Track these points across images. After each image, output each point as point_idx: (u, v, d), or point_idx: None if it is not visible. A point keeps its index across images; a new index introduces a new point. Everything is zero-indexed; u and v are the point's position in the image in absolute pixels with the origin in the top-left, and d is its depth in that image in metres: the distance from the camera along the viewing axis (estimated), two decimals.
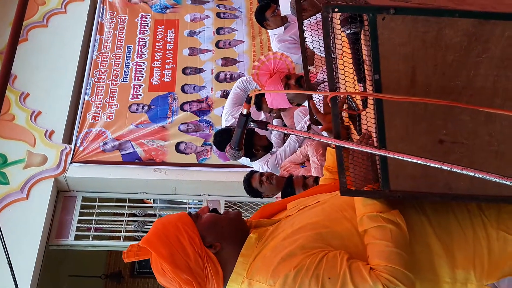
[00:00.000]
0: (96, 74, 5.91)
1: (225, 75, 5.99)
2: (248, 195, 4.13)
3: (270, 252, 1.57)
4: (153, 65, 6.03)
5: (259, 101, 4.34)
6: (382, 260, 1.46)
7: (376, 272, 1.45)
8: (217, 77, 5.99)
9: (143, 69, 6.00)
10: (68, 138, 5.66)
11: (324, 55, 1.49)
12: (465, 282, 1.56)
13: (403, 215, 1.56)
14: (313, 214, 1.65)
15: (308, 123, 3.86)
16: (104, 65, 5.99)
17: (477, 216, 1.61)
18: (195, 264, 1.58)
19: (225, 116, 4.72)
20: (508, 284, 1.57)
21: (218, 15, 6.53)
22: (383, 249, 1.48)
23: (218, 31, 6.39)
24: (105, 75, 5.91)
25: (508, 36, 1.36)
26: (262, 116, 4.64)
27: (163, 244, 1.59)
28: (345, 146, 1.41)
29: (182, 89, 5.88)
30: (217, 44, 6.26)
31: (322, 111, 1.95)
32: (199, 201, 5.82)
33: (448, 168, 1.26)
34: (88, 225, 5.56)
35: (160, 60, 6.08)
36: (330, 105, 1.47)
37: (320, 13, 1.41)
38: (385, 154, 1.35)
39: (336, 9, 1.35)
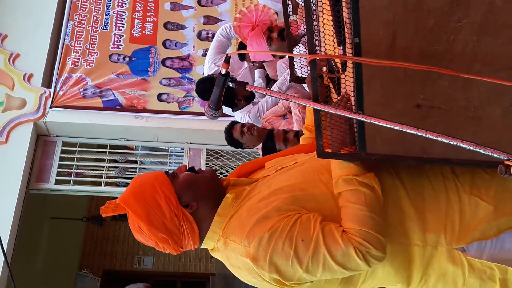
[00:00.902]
0: (75, 18, 5.79)
1: (207, 33, 5.94)
2: None
3: (246, 212, 1.58)
4: (134, 16, 5.95)
5: (241, 56, 4.30)
6: (355, 223, 1.48)
7: (348, 235, 1.47)
8: (199, 35, 5.95)
9: (124, 19, 5.90)
10: (47, 82, 5.60)
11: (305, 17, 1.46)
12: (436, 245, 1.59)
13: (378, 178, 1.58)
14: (290, 176, 1.66)
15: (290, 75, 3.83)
16: (84, 9, 5.87)
17: (451, 180, 1.63)
18: (171, 223, 1.60)
19: (208, 64, 4.67)
20: (477, 249, 1.61)
21: None
22: (356, 213, 1.50)
23: None
24: (85, 20, 5.80)
25: (489, 2, 1.35)
26: (245, 66, 4.60)
27: (140, 203, 1.60)
28: (323, 109, 1.40)
29: (164, 44, 5.84)
30: (199, 1, 6.19)
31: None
32: (180, 148, 5.83)
33: (424, 135, 1.27)
34: (68, 170, 5.58)
35: (141, 11, 5.99)
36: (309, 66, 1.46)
37: None
38: (362, 119, 1.35)
39: None
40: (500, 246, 1.61)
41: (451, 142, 1.25)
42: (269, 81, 4.50)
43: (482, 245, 1.61)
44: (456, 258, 1.60)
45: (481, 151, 1.23)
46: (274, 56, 3.71)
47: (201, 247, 1.69)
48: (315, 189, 1.60)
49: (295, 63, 2.23)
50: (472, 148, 1.24)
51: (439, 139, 1.26)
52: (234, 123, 4.10)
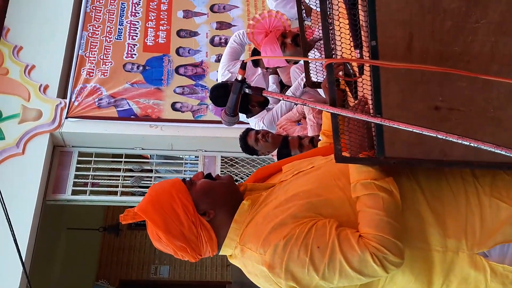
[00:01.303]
0: (90, 29, 5.84)
1: (220, 39, 5.96)
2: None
3: (262, 219, 1.57)
4: (147, 25, 5.99)
5: (256, 62, 4.30)
6: (372, 228, 1.46)
7: (364, 240, 1.46)
8: (212, 41, 5.97)
9: (137, 28, 5.94)
10: (62, 93, 5.63)
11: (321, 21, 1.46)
12: (457, 250, 1.56)
13: (396, 182, 1.55)
14: (306, 181, 1.65)
15: (305, 80, 3.83)
16: (97, 19, 5.92)
17: (471, 183, 1.60)
18: (188, 231, 1.60)
19: (221, 70, 4.68)
20: (499, 253, 1.58)
21: None
22: (373, 218, 1.48)
23: None
24: (99, 31, 5.85)
25: (507, 2, 1.33)
26: (258, 72, 4.60)
27: (157, 212, 1.60)
28: (341, 113, 1.40)
29: (177, 52, 5.86)
30: (211, 8, 6.22)
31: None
32: (195, 156, 5.84)
33: (444, 137, 1.26)
34: (85, 180, 5.60)
35: (154, 20, 6.03)
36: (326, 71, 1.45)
37: None
38: (380, 122, 1.34)
39: None
40: None
41: (471, 144, 1.24)
42: (283, 87, 4.50)
43: (505, 249, 1.58)
44: (478, 263, 1.57)
45: (503, 152, 1.22)
46: (288, 62, 3.70)
47: (219, 254, 1.68)
48: (332, 194, 1.58)
49: (310, 68, 2.22)
50: (493, 149, 1.23)
51: (460, 141, 1.25)
52: (248, 130, 4.10)
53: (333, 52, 1.46)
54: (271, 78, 4.52)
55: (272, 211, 1.57)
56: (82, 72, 5.60)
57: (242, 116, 4.43)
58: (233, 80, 1.57)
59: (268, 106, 4.37)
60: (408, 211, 1.55)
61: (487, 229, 1.56)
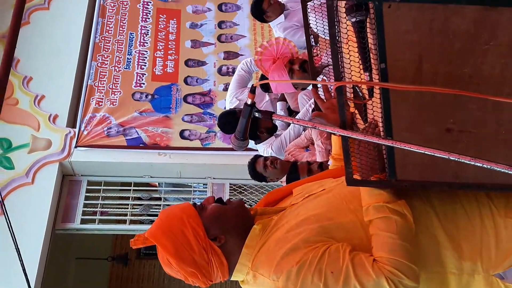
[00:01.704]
0: (99, 59, 5.90)
1: (227, 68, 6.02)
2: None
3: (274, 244, 1.56)
4: (155, 54, 6.05)
5: (264, 86, 4.33)
6: (386, 252, 1.45)
7: (379, 264, 1.44)
8: (219, 71, 6.03)
9: (146, 58, 6.01)
10: (72, 122, 5.66)
11: (328, 38, 1.47)
12: (472, 273, 1.54)
13: (410, 206, 1.54)
14: (317, 204, 1.64)
15: (312, 106, 3.84)
16: (106, 49, 5.98)
17: (485, 205, 1.59)
18: (199, 257, 1.58)
19: (229, 98, 4.71)
20: None
21: (219, 7, 6.51)
22: (387, 241, 1.46)
23: (220, 25, 6.42)
24: (108, 61, 5.91)
25: None
26: (266, 98, 4.62)
27: (168, 237, 1.59)
28: (351, 136, 1.39)
29: (185, 81, 5.92)
30: (219, 38, 6.30)
31: (323, 97, 1.92)
32: (204, 184, 5.83)
33: (456, 159, 1.25)
34: (94, 209, 5.59)
35: (162, 50, 6.10)
36: (335, 94, 1.45)
37: None
38: (391, 145, 1.33)
39: None
40: None
41: (485, 166, 1.23)
42: (291, 113, 4.51)
43: None
44: (494, 285, 1.55)
45: None
46: (295, 88, 3.72)
47: (231, 279, 1.66)
48: (343, 218, 1.57)
49: (319, 93, 2.23)
50: (507, 171, 1.21)
51: (472, 162, 1.24)
52: (257, 156, 4.10)
53: (342, 75, 1.46)
54: (279, 104, 4.53)
55: (283, 236, 1.56)
56: (91, 101, 5.64)
57: (250, 143, 4.43)
58: (241, 107, 1.57)
59: (277, 133, 4.37)
60: (423, 234, 1.54)
61: (503, 251, 1.54)
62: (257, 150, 4.50)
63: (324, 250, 1.47)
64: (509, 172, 1.20)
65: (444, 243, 1.54)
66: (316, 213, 1.58)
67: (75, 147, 5.43)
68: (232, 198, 5.63)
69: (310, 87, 3.75)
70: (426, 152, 1.27)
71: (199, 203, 1.70)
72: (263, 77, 4.23)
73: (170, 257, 1.58)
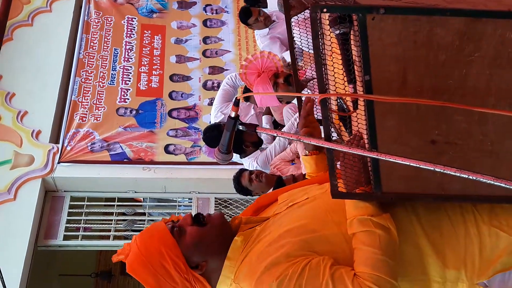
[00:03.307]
0: (82, 74, 5.88)
1: (213, 83, 6.04)
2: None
3: (255, 257, 1.55)
4: (140, 70, 6.05)
5: (249, 98, 4.33)
6: (368, 267, 1.44)
7: (359, 280, 1.43)
8: (204, 85, 6.04)
9: (130, 73, 6.00)
10: (55, 138, 5.61)
11: (312, 52, 1.46)
12: (456, 281, 1.54)
13: (393, 214, 1.54)
14: (300, 215, 1.62)
15: (298, 120, 3.83)
16: (90, 65, 5.97)
17: (469, 212, 1.58)
18: (182, 287, 1.58)
19: (214, 112, 4.70)
20: (499, 282, 1.56)
21: (204, 23, 6.53)
22: (369, 256, 1.45)
23: (204, 40, 6.45)
24: (92, 76, 5.89)
25: (500, 34, 1.33)
26: (251, 112, 4.61)
27: (149, 273, 1.57)
28: (336, 148, 1.38)
29: (170, 96, 5.92)
30: (203, 53, 6.31)
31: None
32: (189, 199, 5.80)
33: (442, 170, 1.24)
34: (77, 225, 5.53)
35: (147, 65, 6.10)
36: (319, 106, 1.44)
37: (308, 10, 1.38)
38: (376, 157, 1.32)
39: (325, 10, 1.32)
40: None
41: (470, 177, 1.22)
42: (276, 127, 4.50)
43: (506, 277, 1.56)
44: None
45: (502, 184, 1.19)
46: (280, 101, 3.71)
47: None
48: (327, 230, 1.56)
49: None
50: (492, 182, 1.20)
51: (458, 174, 1.22)
52: (242, 170, 4.08)
53: (327, 87, 1.45)
54: (264, 118, 4.53)
55: (265, 249, 1.54)
56: (75, 117, 5.61)
57: (235, 157, 4.42)
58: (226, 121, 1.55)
59: (262, 147, 4.36)
60: (406, 244, 1.53)
61: (487, 259, 1.54)
62: (242, 164, 4.48)
63: (304, 265, 1.46)
64: (495, 183, 1.19)
65: (427, 251, 1.54)
66: (298, 225, 1.57)
67: (58, 162, 5.38)
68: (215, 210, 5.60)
69: (295, 101, 3.75)
70: (411, 164, 1.25)
71: (176, 228, 1.64)
72: (247, 90, 4.23)
73: None
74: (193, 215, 1.68)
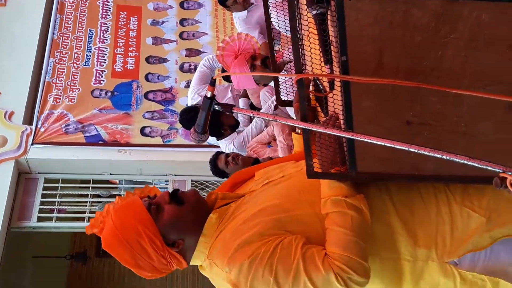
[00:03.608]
0: (57, 55, 5.77)
1: (189, 65, 5.97)
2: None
3: (229, 235, 1.56)
4: (115, 51, 5.95)
5: (228, 79, 4.30)
6: (339, 248, 1.46)
7: (330, 260, 1.45)
8: (181, 68, 5.97)
9: (106, 54, 5.90)
10: (28, 119, 5.51)
11: (289, 34, 1.45)
12: (426, 259, 1.57)
13: (366, 193, 1.56)
14: (275, 194, 1.63)
15: (275, 103, 3.83)
16: (65, 46, 5.86)
17: (442, 192, 1.60)
18: (158, 264, 1.59)
19: (191, 94, 4.66)
20: (470, 262, 1.58)
21: (181, 5, 6.43)
22: (341, 237, 1.47)
23: (181, 22, 6.34)
24: (66, 57, 5.79)
25: (476, 16, 1.35)
26: (229, 95, 4.59)
27: (125, 250, 1.57)
28: (312, 129, 1.38)
29: (146, 78, 5.84)
30: (180, 35, 6.22)
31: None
32: (165, 181, 5.77)
33: (416, 150, 1.25)
34: (51, 207, 5.48)
35: (123, 47, 6.00)
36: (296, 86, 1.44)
37: None
38: (352, 137, 1.33)
39: None
40: (495, 257, 1.59)
41: (444, 157, 1.23)
42: (254, 110, 4.49)
43: (476, 257, 1.59)
44: (447, 271, 1.58)
45: (475, 164, 1.21)
46: (257, 83, 3.70)
47: (190, 264, 1.67)
48: (300, 210, 1.57)
49: (280, 88, 2.22)
50: (466, 162, 1.22)
51: (432, 154, 1.24)
52: (218, 153, 4.07)
53: (304, 67, 1.45)
54: (241, 101, 4.51)
55: (239, 227, 1.56)
56: (49, 98, 5.51)
57: (212, 139, 4.41)
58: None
59: (239, 129, 4.35)
60: (378, 222, 1.55)
61: (458, 238, 1.57)
62: (219, 147, 4.47)
63: (276, 244, 1.48)
64: (468, 163, 1.21)
65: (398, 230, 1.56)
66: (272, 204, 1.58)
67: (32, 144, 5.29)
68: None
69: (272, 84, 3.74)
70: (386, 144, 1.26)
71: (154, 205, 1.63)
72: (223, 70, 4.20)
73: (130, 267, 1.59)
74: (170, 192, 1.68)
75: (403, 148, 1.25)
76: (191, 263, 1.65)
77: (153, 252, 1.56)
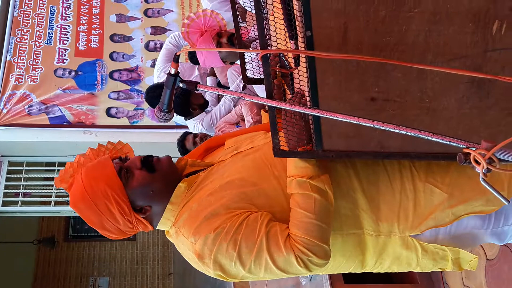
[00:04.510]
0: (18, 33, 5.63)
1: (155, 44, 5.89)
2: None
3: (196, 205, 1.58)
4: (78, 29, 5.83)
5: (194, 56, 4.25)
6: (301, 231, 1.48)
7: (291, 242, 1.48)
8: (146, 46, 5.89)
9: (68, 32, 5.77)
10: None
11: (254, 11, 1.43)
12: (389, 234, 1.61)
13: (331, 169, 1.58)
14: (243, 166, 1.64)
15: (242, 82, 3.80)
16: (26, 24, 5.71)
17: (407, 168, 1.63)
18: (124, 227, 1.62)
19: (157, 72, 4.60)
20: (430, 236, 1.63)
21: None
22: (303, 220, 1.49)
23: None
24: (27, 35, 5.65)
25: None
26: (196, 73, 4.54)
27: (92, 211, 1.59)
28: (278, 106, 1.36)
29: (111, 57, 5.74)
30: (145, 12, 6.11)
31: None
32: None
33: (381, 127, 1.24)
34: (16, 191, 5.39)
35: (86, 24, 5.88)
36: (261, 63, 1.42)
37: None
38: (317, 114, 1.31)
39: None
40: (455, 230, 1.64)
41: (408, 133, 1.23)
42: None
43: (436, 232, 1.63)
44: (409, 244, 1.63)
45: (439, 140, 1.21)
46: (224, 62, 3.66)
47: (156, 229, 1.70)
48: (266, 184, 1.58)
49: (246, 66, 2.20)
50: (430, 138, 1.22)
51: (396, 130, 1.23)
52: (186, 133, 4.05)
53: (268, 43, 1.42)
54: (208, 79, 4.48)
55: (206, 198, 1.57)
56: (11, 78, 5.39)
57: (180, 119, 4.37)
58: None
59: (207, 109, 4.32)
60: (342, 199, 1.58)
61: (420, 214, 1.61)
62: (186, 127, 4.43)
63: (242, 220, 1.50)
64: (432, 139, 1.21)
65: (362, 206, 1.59)
66: (239, 177, 1.59)
67: None
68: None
69: (238, 62, 3.71)
70: (351, 121, 1.25)
71: (124, 169, 1.62)
72: (191, 52, 4.15)
73: (95, 227, 1.62)
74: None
75: (368, 124, 1.24)
76: (157, 228, 1.68)
77: (120, 216, 1.59)
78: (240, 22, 2.39)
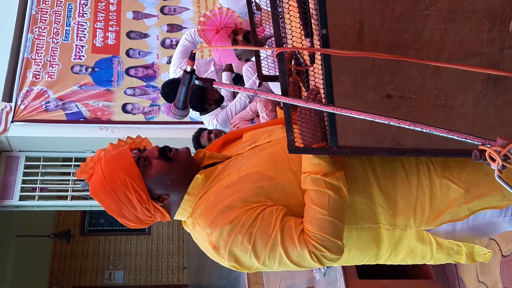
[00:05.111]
0: (35, 31, 5.69)
1: (171, 41, 5.92)
2: None
3: (213, 197, 1.60)
4: (95, 26, 5.87)
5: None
6: (314, 227, 1.50)
7: (305, 237, 1.50)
8: (162, 43, 5.92)
9: (86, 29, 5.82)
10: (8, 96, 5.46)
11: (270, 9, 1.44)
12: (405, 227, 1.63)
13: (349, 164, 1.59)
14: (260, 160, 1.65)
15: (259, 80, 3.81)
16: (44, 21, 5.76)
17: (424, 164, 1.63)
18: (142, 215, 1.64)
19: (173, 68, 4.61)
20: (447, 229, 1.65)
21: None
22: (317, 216, 1.50)
23: None
24: (45, 32, 5.70)
25: None
26: (211, 69, 4.55)
27: (112, 199, 1.62)
28: (293, 103, 1.37)
29: (127, 54, 5.78)
30: (162, 10, 6.14)
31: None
32: None
33: (396, 124, 1.25)
34: (33, 185, 5.45)
35: (103, 21, 5.92)
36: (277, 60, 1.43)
37: None
38: (332, 111, 1.32)
39: None
40: (472, 221, 1.66)
41: (424, 130, 1.23)
42: (236, 84, 4.46)
43: (453, 224, 1.65)
44: (424, 238, 1.65)
45: (455, 137, 1.21)
46: (239, 59, 3.67)
47: (174, 219, 1.73)
48: (283, 178, 1.59)
49: (262, 64, 2.20)
50: (445, 135, 1.22)
51: (412, 127, 1.24)
52: (201, 130, 4.06)
53: (284, 41, 1.43)
54: (224, 75, 4.48)
55: (223, 191, 1.59)
56: (28, 74, 5.44)
57: (195, 115, 4.38)
58: None
59: (223, 104, 4.33)
60: (359, 194, 1.59)
61: (436, 209, 1.62)
62: (202, 123, 4.45)
63: (258, 213, 1.52)
64: (448, 136, 1.21)
65: (379, 201, 1.60)
66: (256, 171, 1.60)
67: (12, 122, 5.24)
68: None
69: (254, 59, 3.72)
70: (366, 118, 1.26)
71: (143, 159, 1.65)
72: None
73: (114, 216, 1.65)
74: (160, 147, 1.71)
75: (384, 121, 1.25)
76: (175, 218, 1.70)
77: (138, 204, 1.61)
78: (254, 13, 2.39)
